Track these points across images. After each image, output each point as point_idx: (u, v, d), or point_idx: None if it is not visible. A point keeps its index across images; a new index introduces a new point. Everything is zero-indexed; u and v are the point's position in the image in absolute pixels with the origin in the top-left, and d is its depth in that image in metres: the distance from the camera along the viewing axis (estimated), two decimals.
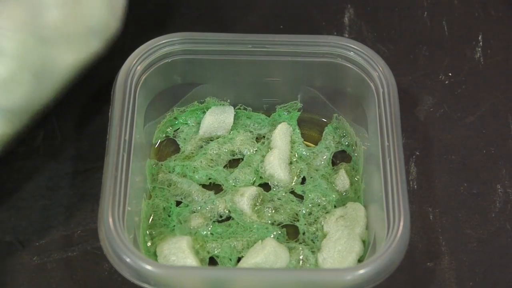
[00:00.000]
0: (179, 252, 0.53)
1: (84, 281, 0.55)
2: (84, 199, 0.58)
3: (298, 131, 0.61)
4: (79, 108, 0.63)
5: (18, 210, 0.58)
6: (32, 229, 0.57)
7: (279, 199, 0.57)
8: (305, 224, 0.56)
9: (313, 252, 0.54)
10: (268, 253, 0.53)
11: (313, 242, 0.55)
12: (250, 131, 0.61)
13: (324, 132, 0.61)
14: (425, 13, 0.70)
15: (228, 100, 0.61)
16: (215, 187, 0.58)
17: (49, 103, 0.56)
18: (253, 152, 0.60)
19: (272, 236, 0.55)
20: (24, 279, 0.55)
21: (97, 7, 0.56)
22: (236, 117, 0.61)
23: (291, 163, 0.59)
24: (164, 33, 0.57)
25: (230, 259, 0.54)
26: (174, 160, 0.59)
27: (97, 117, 0.61)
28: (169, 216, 0.56)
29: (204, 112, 0.61)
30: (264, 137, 0.61)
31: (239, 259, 0.54)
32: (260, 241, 0.54)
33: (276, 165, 0.58)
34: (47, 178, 0.59)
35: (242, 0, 0.71)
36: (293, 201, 0.57)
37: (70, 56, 0.55)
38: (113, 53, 0.62)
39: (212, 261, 0.54)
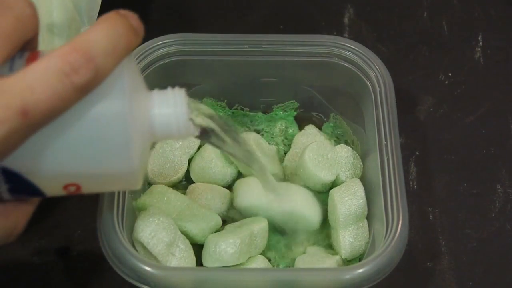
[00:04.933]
0: None
1: (84, 281, 0.55)
2: (84, 199, 0.58)
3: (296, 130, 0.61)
4: None
5: None
6: (33, 229, 0.57)
7: None
8: None
9: None
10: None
11: None
12: (248, 127, 0.61)
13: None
14: (425, 13, 0.70)
15: (225, 101, 0.61)
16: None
17: None
18: None
19: None
20: (24, 279, 0.55)
21: None
22: (234, 117, 0.61)
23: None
24: (164, 34, 0.57)
25: None
26: None
27: None
28: None
29: None
30: (259, 132, 0.61)
31: None
32: None
33: None
34: None
35: (242, 0, 0.71)
36: None
37: None
38: None
39: None
